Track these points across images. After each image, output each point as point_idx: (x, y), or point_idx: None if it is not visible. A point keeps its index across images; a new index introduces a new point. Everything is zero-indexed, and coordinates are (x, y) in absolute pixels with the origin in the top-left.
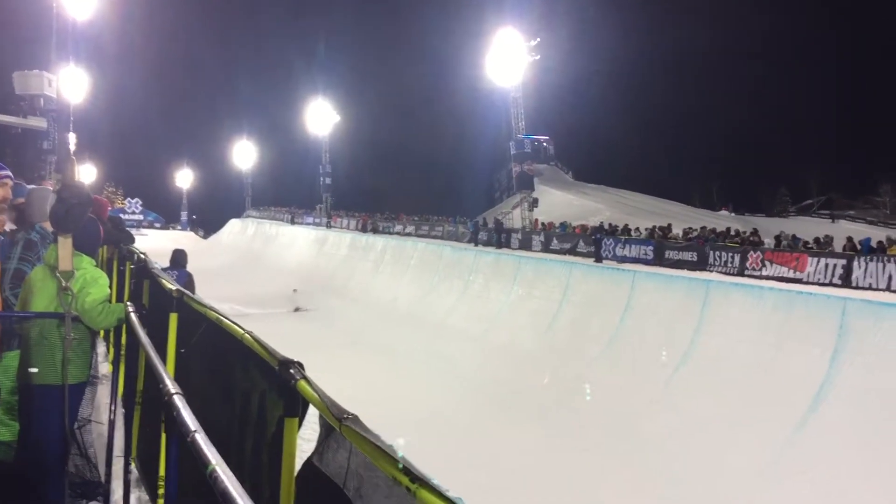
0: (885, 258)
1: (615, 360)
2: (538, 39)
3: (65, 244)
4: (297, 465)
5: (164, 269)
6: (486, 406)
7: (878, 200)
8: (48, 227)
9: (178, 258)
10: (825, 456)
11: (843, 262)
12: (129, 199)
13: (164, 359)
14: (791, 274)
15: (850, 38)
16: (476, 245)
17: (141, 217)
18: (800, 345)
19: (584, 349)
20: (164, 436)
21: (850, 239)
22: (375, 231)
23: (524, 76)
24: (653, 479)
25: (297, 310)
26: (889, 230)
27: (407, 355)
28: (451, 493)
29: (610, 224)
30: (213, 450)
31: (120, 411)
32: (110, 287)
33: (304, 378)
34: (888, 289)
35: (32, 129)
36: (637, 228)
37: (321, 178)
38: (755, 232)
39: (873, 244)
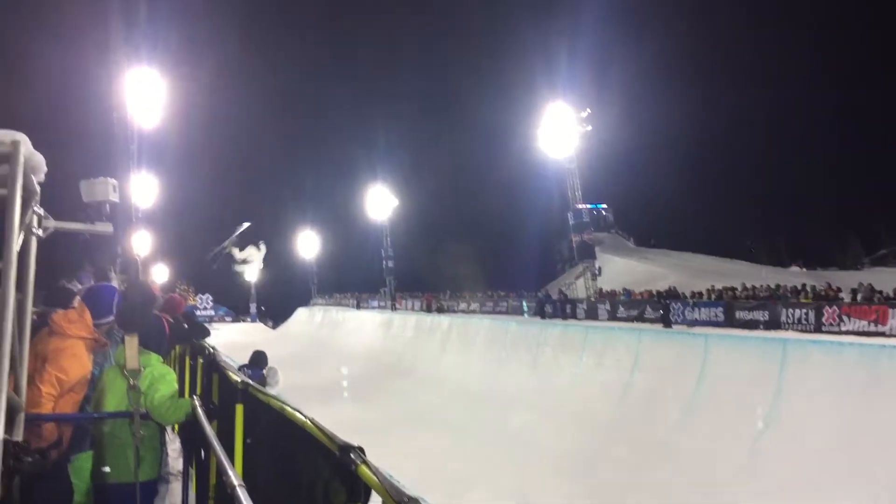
0: None
1: (693, 428)
2: (588, 111)
3: (131, 343)
4: None
5: (241, 367)
6: (562, 482)
7: None
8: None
9: (258, 359)
10: None
11: None
12: (200, 295)
13: (232, 450)
14: (872, 328)
15: None
16: (542, 318)
17: (212, 312)
18: (887, 402)
19: (658, 418)
20: None
21: None
22: (440, 311)
23: (577, 147)
24: None
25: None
26: None
27: (478, 434)
28: None
29: (675, 288)
30: None
31: None
32: (182, 381)
33: (365, 462)
34: None
35: (99, 234)
36: (705, 290)
37: (384, 262)
38: (836, 288)
39: None
